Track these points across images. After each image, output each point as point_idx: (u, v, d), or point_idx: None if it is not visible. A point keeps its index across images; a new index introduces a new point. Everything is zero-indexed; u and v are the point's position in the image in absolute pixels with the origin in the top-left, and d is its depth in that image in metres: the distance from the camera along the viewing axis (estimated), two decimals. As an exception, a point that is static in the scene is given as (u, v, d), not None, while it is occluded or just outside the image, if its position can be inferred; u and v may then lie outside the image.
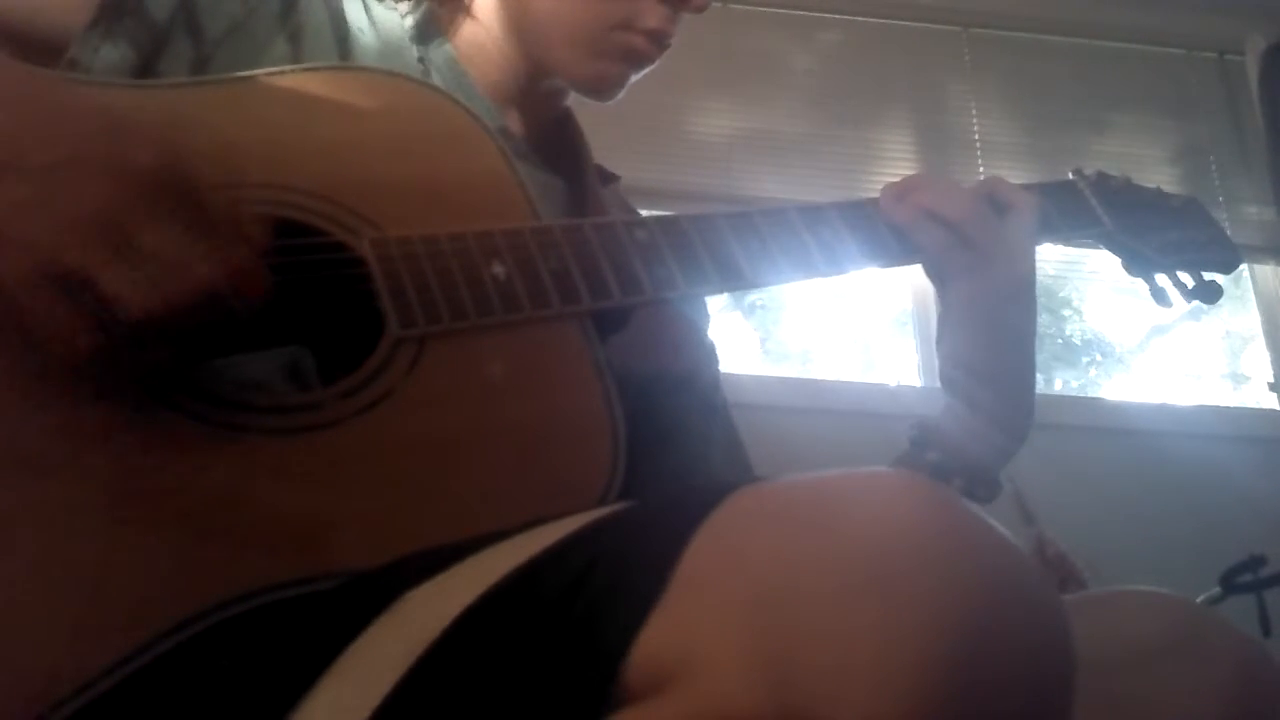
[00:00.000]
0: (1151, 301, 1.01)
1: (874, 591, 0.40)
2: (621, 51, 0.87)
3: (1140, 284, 1.03)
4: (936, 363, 0.89)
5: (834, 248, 0.83)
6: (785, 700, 0.39)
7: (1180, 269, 1.01)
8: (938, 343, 0.88)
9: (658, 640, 0.42)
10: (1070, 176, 1.00)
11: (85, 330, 0.51)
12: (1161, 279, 1.01)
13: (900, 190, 0.86)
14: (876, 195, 0.88)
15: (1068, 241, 0.97)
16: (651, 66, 0.90)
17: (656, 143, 2.50)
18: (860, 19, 2.76)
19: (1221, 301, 1.02)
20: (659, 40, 0.88)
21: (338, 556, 0.57)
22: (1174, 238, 1.00)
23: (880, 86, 2.73)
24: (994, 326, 0.85)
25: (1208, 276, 1.02)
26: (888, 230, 0.85)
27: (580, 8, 0.86)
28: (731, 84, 2.64)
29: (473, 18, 0.91)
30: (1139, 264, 1.01)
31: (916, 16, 2.78)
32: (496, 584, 0.48)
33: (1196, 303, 1.01)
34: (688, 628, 0.42)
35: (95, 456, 0.54)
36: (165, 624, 0.51)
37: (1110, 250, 1.01)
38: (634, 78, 0.90)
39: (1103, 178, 1.01)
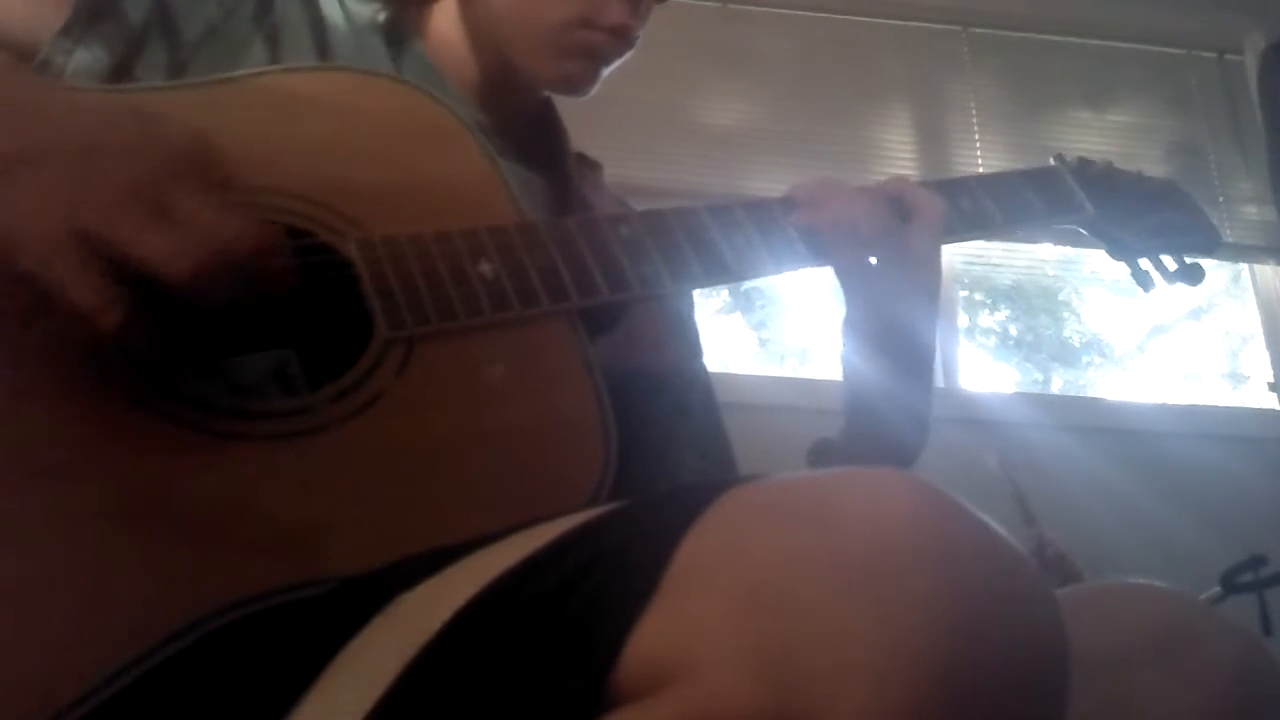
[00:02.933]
0: (1134, 285, 1.02)
1: (871, 590, 0.40)
2: (584, 50, 0.86)
3: (1123, 268, 1.03)
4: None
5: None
6: (782, 699, 0.39)
7: (1162, 252, 1.01)
8: (840, 353, 0.85)
9: (653, 638, 0.42)
10: (1051, 162, 1.00)
11: (109, 297, 0.51)
12: (1144, 263, 1.02)
13: (812, 195, 0.84)
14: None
15: (1049, 227, 0.97)
16: (621, 60, 0.89)
17: (655, 141, 2.50)
18: (860, 18, 2.75)
19: (1221, 300, 1.03)
20: (622, 35, 0.86)
21: (334, 560, 0.56)
22: (1155, 221, 1.01)
23: (880, 86, 2.73)
24: (892, 335, 0.83)
25: (1190, 259, 1.02)
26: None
27: (539, 8, 0.85)
28: (730, 83, 2.64)
29: (442, 16, 0.90)
30: (1121, 248, 1.02)
31: (916, 16, 2.77)
32: (490, 584, 0.48)
33: (1181, 284, 1.01)
34: (683, 625, 0.42)
35: (91, 464, 0.54)
36: (164, 630, 0.51)
37: (1092, 235, 1.01)
38: (605, 72, 0.89)
39: (1084, 163, 1.01)
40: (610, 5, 0.85)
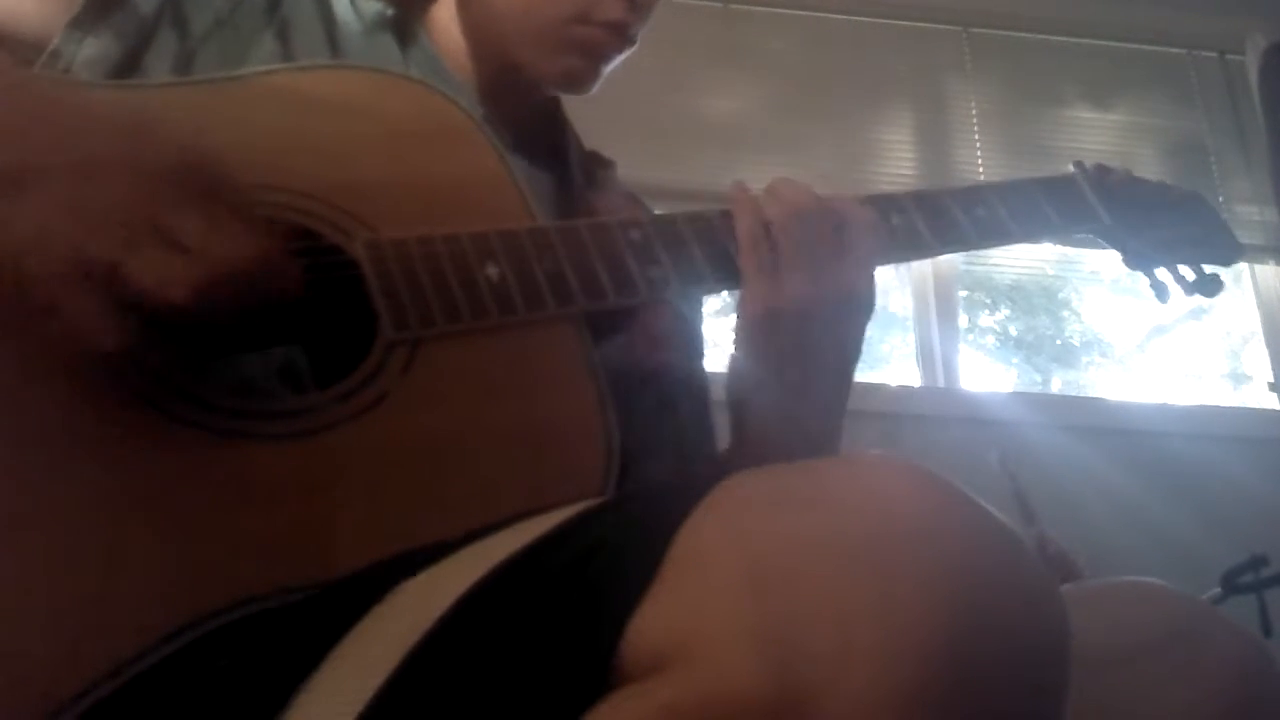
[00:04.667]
0: (1151, 295, 1.00)
1: (873, 573, 0.41)
2: (582, 46, 0.86)
3: (1140, 278, 1.02)
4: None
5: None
6: (785, 680, 0.39)
7: (1180, 262, 1.00)
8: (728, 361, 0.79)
9: (655, 621, 0.43)
10: (1070, 170, 0.99)
11: (112, 323, 0.51)
12: (1161, 273, 1.00)
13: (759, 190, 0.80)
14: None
15: (1067, 237, 0.96)
16: (622, 57, 0.89)
17: (656, 141, 2.50)
18: (860, 18, 2.75)
19: (1221, 301, 1.02)
20: (620, 31, 0.86)
21: (337, 559, 0.57)
22: (1172, 231, 0.99)
23: (880, 86, 2.72)
24: (788, 345, 0.76)
25: (1208, 270, 1.00)
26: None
27: (535, 4, 0.85)
28: (731, 83, 2.64)
29: (443, 13, 0.91)
30: (1138, 258, 1.00)
31: (916, 16, 2.77)
32: (492, 571, 0.48)
33: (1198, 296, 0.99)
34: (685, 608, 0.42)
35: (96, 464, 0.54)
36: (167, 628, 0.51)
37: (1109, 244, 0.99)
38: (606, 68, 0.89)
39: (1102, 171, 0.99)
40: (606, 0, 0.85)
